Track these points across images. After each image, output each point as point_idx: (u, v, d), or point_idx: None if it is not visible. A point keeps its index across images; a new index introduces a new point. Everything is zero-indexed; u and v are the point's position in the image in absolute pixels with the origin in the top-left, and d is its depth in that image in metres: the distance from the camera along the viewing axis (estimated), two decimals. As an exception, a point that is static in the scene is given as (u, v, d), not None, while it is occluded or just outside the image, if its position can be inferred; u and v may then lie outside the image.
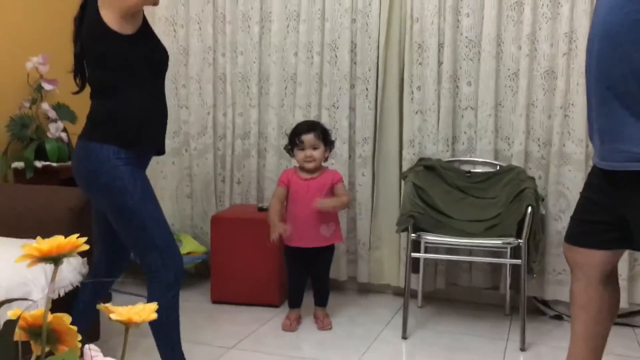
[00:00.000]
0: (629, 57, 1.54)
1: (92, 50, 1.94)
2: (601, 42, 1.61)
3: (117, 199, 1.92)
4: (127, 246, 2.06)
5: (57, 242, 0.74)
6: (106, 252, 2.17)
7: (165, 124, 2.10)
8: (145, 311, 0.76)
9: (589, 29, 1.73)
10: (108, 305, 0.75)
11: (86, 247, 0.77)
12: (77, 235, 0.75)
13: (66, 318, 0.78)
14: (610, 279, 1.84)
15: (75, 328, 0.79)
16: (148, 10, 3.42)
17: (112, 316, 0.74)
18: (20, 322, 0.77)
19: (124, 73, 1.92)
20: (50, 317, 0.78)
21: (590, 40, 1.68)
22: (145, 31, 1.97)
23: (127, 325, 0.76)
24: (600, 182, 1.74)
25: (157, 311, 2.03)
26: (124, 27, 1.88)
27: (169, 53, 2.11)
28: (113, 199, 1.93)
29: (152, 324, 2.00)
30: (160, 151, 2.10)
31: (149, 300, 1.98)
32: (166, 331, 2.03)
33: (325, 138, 2.74)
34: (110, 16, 1.86)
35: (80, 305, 2.13)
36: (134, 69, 1.93)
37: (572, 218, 1.90)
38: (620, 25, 1.55)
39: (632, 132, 1.57)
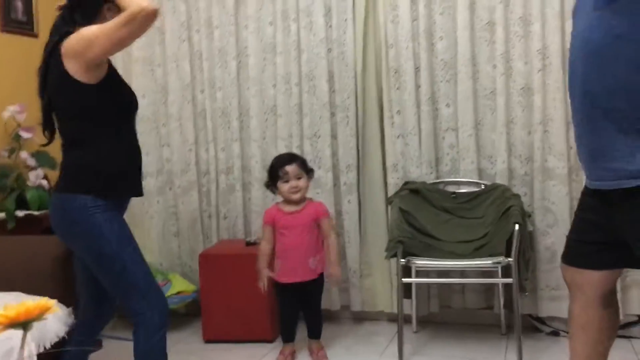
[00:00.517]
0: (613, 73, 1.53)
1: (59, 101, 1.93)
2: (585, 60, 1.60)
3: (94, 247, 1.90)
4: (110, 292, 2.02)
5: (24, 307, 0.71)
6: (91, 298, 2.13)
7: (140, 167, 2.08)
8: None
9: (570, 48, 1.72)
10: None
11: (56, 309, 0.75)
12: (46, 298, 0.73)
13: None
14: (609, 298, 1.82)
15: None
16: (124, 50, 3.44)
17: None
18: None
19: (93, 122, 1.91)
20: (22, 384, 0.75)
21: (572, 59, 1.67)
22: (112, 78, 1.96)
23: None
24: (593, 202, 1.72)
25: (145, 355, 1.98)
26: (89, 77, 1.86)
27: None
28: (91, 247, 1.91)
29: None
30: (139, 193, 2.08)
31: (135, 346, 1.95)
32: None
33: (305, 167, 2.74)
34: (74, 67, 1.84)
35: (66, 357, 2.08)
36: (103, 117, 1.92)
37: (568, 238, 1.87)
38: (601, 42, 1.54)
39: (622, 149, 1.55)
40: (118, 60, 3.44)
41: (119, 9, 1.88)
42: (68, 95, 1.89)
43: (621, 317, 2.72)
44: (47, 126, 2.01)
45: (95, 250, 1.90)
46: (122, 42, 1.82)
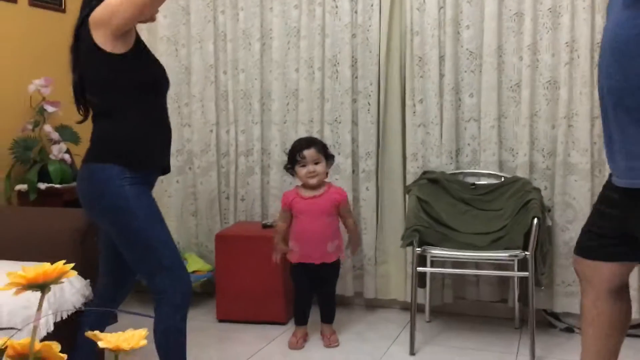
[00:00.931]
0: (637, 71, 1.51)
1: (89, 74, 1.94)
2: (611, 56, 1.58)
3: (122, 220, 1.90)
4: (134, 268, 2.03)
5: (43, 269, 0.73)
6: (112, 274, 2.14)
7: (169, 142, 2.08)
8: (135, 338, 0.75)
9: (601, 43, 1.70)
10: (96, 332, 0.74)
11: (74, 273, 0.76)
12: (64, 261, 0.74)
13: (55, 346, 0.77)
14: (620, 292, 1.81)
15: (64, 356, 0.77)
16: (150, 30, 3.46)
17: (101, 344, 0.73)
18: (9, 351, 0.75)
19: (122, 94, 1.92)
20: (39, 345, 0.77)
21: (601, 54, 1.65)
22: (140, 49, 1.96)
23: (117, 353, 0.74)
24: (616, 197, 1.70)
25: (165, 334, 2.00)
26: (116, 47, 1.87)
27: (171, 72, 2.10)
28: (118, 221, 1.90)
29: (159, 347, 1.98)
30: (165, 170, 2.09)
31: (156, 323, 1.96)
32: (173, 354, 2.00)
33: (325, 152, 2.74)
34: (101, 37, 1.85)
35: (86, 329, 2.11)
36: (131, 88, 1.92)
37: (582, 230, 1.87)
38: (629, 39, 1.53)
39: None
40: (143, 39, 3.45)
41: None
42: (98, 66, 1.90)
43: (638, 316, 2.70)
44: (81, 102, 2.02)
45: (122, 224, 1.90)
46: (144, 9, 1.82)
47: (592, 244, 1.80)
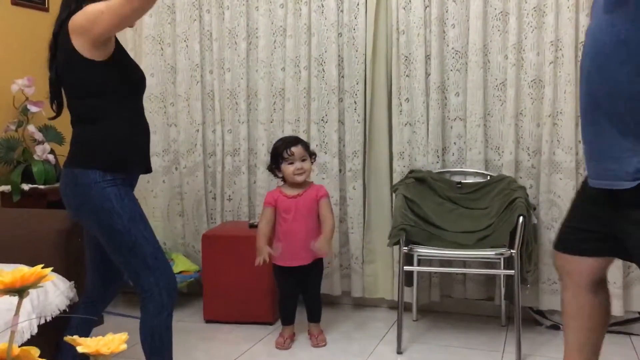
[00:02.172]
0: (616, 77, 1.52)
1: (67, 78, 1.93)
2: (591, 60, 1.59)
3: (106, 222, 1.90)
4: (120, 268, 2.03)
5: (20, 273, 0.72)
6: (99, 275, 2.13)
7: (148, 142, 2.09)
8: (115, 342, 0.74)
9: (583, 45, 1.70)
10: (75, 337, 0.73)
11: (52, 277, 0.75)
12: (42, 265, 0.73)
13: (34, 351, 0.76)
14: (599, 285, 1.82)
15: (43, 361, 0.76)
16: (135, 29, 3.44)
17: (80, 349, 0.72)
18: (-13, 357, 0.74)
19: (102, 99, 1.91)
20: (17, 350, 0.75)
21: (583, 56, 1.66)
22: (119, 55, 1.95)
23: (96, 357, 0.74)
24: (593, 194, 1.71)
25: (150, 332, 1.99)
26: (96, 54, 1.86)
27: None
28: (102, 222, 1.91)
29: (144, 345, 1.97)
30: (147, 169, 2.09)
31: (142, 323, 1.96)
32: (159, 354, 1.99)
33: (309, 151, 2.73)
34: (81, 44, 1.84)
35: (72, 331, 2.10)
36: (111, 93, 1.91)
37: (562, 225, 1.89)
38: (607, 44, 1.53)
39: (620, 151, 1.54)
40: (128, 38, 3.44)
41: None
42: (76, 72, 1.89)
43: (622, 313, 2.73)
44: (55, 99, 2.02)
45: (106, 225, 1.90)
46: (126, 19, 1.80)
47: (571, 238, 1.81)
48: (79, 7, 1.86)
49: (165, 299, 1.95)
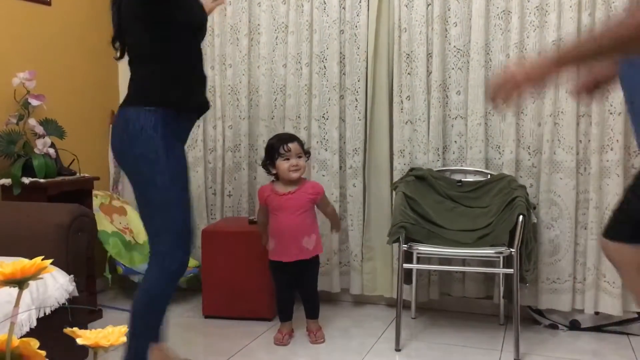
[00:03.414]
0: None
1: (131, 12, 1.94)
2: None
3: (146, 172, 1.89)
4: (143, 222, 1.98)
5: (20, 265, 0.72)
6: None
7: (205, 84, 2.10)
8: (115, 335, 0.74)
9: None
10: (74, 329, 0.73)
11: (53, 269, 0.75)
12: (42, 257, 0.73)
13: (33, 343, 0.76)
14: None
15: (43, 353, 0.76)
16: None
17: (79, 341, 0.72)
18: (-14, 348, 0.74)
19: (162, 32, 1.91)
20: (17, 342, 0.76)
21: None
22: None
23: (95, 350, 0.74)
24: None
25: (147, 293, 1.95)
26: None
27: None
28: (143, 171, 1.89)
29: (134, 304, 1.93)
30: (203, 108, 2.09)
31: (143, 283, 1.93)
32: (147, 317, 1.93)
33: (303, 148, 2.74)
34: None
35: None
36: (173, 31, 1.92)
37: (613, 211, 1.89)
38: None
39: None
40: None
41: None
42: (140, 5, 1.89)
43: (621, 313, 2.74)
44: (117, 40, 2.06)
45: (146, 175, 1.89)
46: None
47: (622, 225, 1.81)
48: None
49: (174, 268, 1.91)
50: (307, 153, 2.75)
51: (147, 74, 1.95)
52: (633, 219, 1.81)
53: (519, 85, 1.50)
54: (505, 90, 1.52)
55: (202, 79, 2.09)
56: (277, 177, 2.72)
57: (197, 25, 2.03)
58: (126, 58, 2.08)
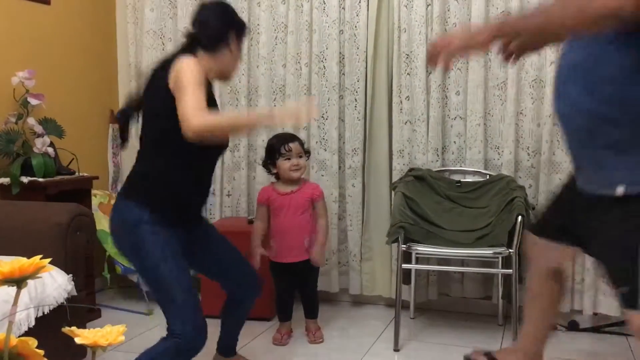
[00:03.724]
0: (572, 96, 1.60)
1: (153, 106, 1.94)
2: (557, 80, 1.69)
3: (136, 258, 1.94)
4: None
5: (19, 264, 0.72)
6: (229, 280, 2.23)
7: (200, 197, 2.08)
8: (113, 334, 0.74)
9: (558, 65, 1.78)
10: (73, 328, 0.73)
11: (51, 268, 0.75)
12: (41, 256, 0.73)
13: (31, 342, 0.76)
14: (560, 275, 2.01)
15: (41, 352, 0.76)
16: (136, 23, 3.44)
17: (77, 340, 0.72)
18: (-16, 347, 0.74)
19: (170, 136, 1.84)
20: (15, 341, 0.76)
21: (557, 75, 1.74)
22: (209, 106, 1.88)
23: (94, 349, 0.74)
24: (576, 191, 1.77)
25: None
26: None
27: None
28: (133, 258, 1.95)
29: None
30: (190, 221, 2.07)
31: (151, 350, 1.89)
32: None
33: (304, 149, 2.73)
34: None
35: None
36: (179, 146, 1.83)
37: (542, 212, 2.05)
38: (566, 70, 1.62)
39: (588, 162, 1.65)
40: (129, 32, 3.44)
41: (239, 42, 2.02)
42: (164, 103, 1.85)
43: (619, 314, 2.73)
44: (126, 130, 2.08)
45: (136, 261, 1.94)
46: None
47: (548, 224, 1.94)
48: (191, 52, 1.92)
49: (184, 344, 1.86)
50: (307, 152, 2.75)
51: (146, 172, 1.95)
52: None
53: (457, 48, 1.52)
54: (444, 54, 1.53)
55: (200, 190, 2.06)
56: (278, 176, 2.72)
57: (205, 146, 1.92)
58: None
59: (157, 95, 1.88)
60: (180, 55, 1.89)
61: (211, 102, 1.96)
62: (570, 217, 1.80)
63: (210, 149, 1.95)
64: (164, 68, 1.89)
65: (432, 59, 1.57)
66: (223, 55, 1.99)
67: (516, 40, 1.56)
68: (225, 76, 2.08)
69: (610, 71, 1.51)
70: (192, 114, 1.73)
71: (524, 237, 2.14)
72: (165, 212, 1.93)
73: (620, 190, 1.54)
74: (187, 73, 1.81)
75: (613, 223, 1.59)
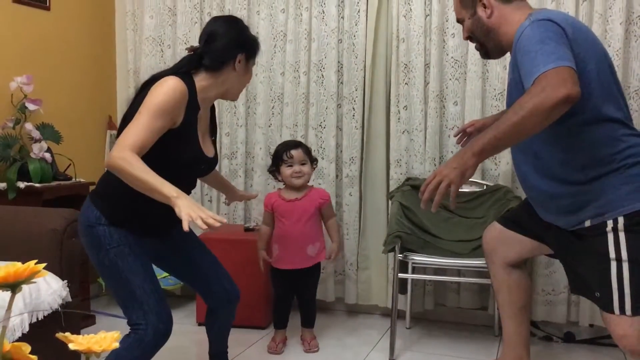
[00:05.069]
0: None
1: (127, 120, 1.83)
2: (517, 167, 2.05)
3: (94, 256, 1.90)
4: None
5: (14, 268, 0.71)
6: (201, 289, 2.19)
7: (172, 220, 1.80)
8: (107, 340, 0.74)
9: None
10: (67, 334, 0.73)
11: (46, 273, 0.75)
12: (36, 261, 0.72)
13: (25, 347, 0.75)
14: (519, 264, 2.21)
15: (34, 358, 0.76)
16: (135, 30, 3.44)
17: (71, 346, 0.72)
18: (-23, 352, 0.74)
19: (150, 154, 1.75)
20: (8, 346, 0.75)
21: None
22: (183, 132, 1.85)
23: (88, 355, 0.73)
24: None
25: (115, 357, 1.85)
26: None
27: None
28: (92, 256, 1.92)
29: None
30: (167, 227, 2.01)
31: (118, 350, 1.70)
32: None
33: (310, 156, 2.74)
34: None
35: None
36: (161, 156, 1.79)
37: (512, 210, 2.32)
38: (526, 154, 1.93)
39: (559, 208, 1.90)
40: (128, 39, 3.45)
41: (247, 62, 1.95)
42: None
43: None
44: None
45: (94, 259, 1.91)
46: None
47: (514, 219, 2.16)
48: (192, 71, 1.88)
49: (151, 338, 1.82)
50: (313, 161, 2.75)
51: (113, 184, 1.81)
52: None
53: (451, 181, 1.65)
54: (438, 189, 1.67)
55: (162, 210, 1.83)
56: (285, 183, 2.74)
57: (184, 161, 1.89)
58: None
59: (135, 110, 1.80)
60: (171, 73, 1.83)
61: (210, 127, 1.98)
62: (538, 226, 2.01)
63: (185, 164, 1.89)
64: (151, 83, 1.84)
65: (427, 194, 1.71)
66: (227, 76, 1.92)
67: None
68: (228, 97, 2.01)
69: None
70: (119, 147, 1.67)
71: (487, 228, 2.27)
72: (130, 225, 1.89)
73: (587, 223, 1.80)
74: (154, 98, 1.75)
75: (585, 237, 1.82)
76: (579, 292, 1.93)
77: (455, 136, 2.38)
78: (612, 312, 1.72)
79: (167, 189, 1.65)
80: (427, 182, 1.71)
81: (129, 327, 1.87)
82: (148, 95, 1.78)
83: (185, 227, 1.61)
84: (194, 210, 1.61)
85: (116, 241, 1.87)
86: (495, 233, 2.21)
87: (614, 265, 1.73)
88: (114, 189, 1.86)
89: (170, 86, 1.78)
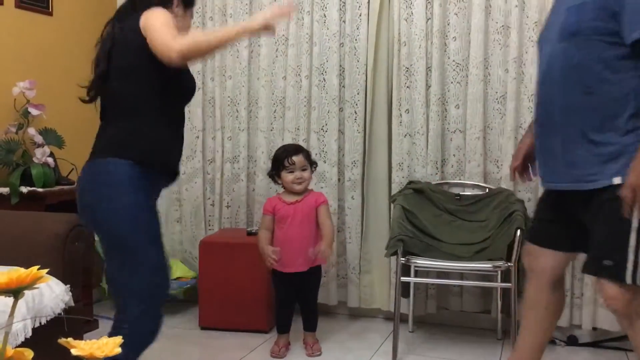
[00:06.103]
0: (567, 95, 1.82)
1: (125, 61, 1.84)
2: (547, 82, 1.91)
3: (120, 226, 1.81)
4: (108, 278, 1.93)
5: (16, 274, 0.71)
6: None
7: (181, 150, 2.02)
8: (109, 345, 0.74)
9: (537, 70, 2.00)
10: (69, 339, 0.73)
11: (48, 278, 0.75)
12: (38, 267, 0.73)
13: (27, 353, 0.75)
14: (558, 283, 2.08)
15: (37, 363, 0.76)
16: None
17: (74, 351, 0.72)
18: (-20, 358, 0.74)
19: (152, 91, 1.83)
20: (11, 351, 0.75)
21: (538, 80, 1.96)
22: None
23: (90, 360, 0.73)
24: (550, 201, 2.01)
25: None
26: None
27: None
28: (113, 226, 1.82)
29: None
30: (175, 175, 2.01)
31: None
32: None
33: (310, 160, 2.74)
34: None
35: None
36: (163, 89, 1.84)
37: (532, 221, 2.18)
38: (562, 69, 1.83)
39: (576, 157, 1.82)
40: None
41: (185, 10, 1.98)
42: (138, 56, 1.80)
43: (618, 329, 2.72)
44: (93, 89, 1.95)
45: (115, 232, 1.83)
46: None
47: (542, 232, 2.06)
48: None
49: (137, 338, 1.79)
50: (313, 164, 2.75)
51: (129, 129, 1.83)
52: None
53: None
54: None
55: (181, 144, 2.02)
56: (284, 187, 2.74)
57: (185, 90, 1.97)
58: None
59: (130, 42, 1.81)
60: (143, 9, 1.82)
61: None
62: (560, 215, 1.97)
63: (187, 93, 1.97)
64: (123, 28, 1.84)
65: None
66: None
67: None
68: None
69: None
70: (171, 39, 1.70)
71: (522, 250, 2.19)
72: (157, 163, 1.87)
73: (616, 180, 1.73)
74: (157, 16, 1.77)
75: (606, 204, 1.76)
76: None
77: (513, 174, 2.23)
78: (624, 280, 1.70)
79: (235, 29, 1.78)
80: (630, 202, 1.69)
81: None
82: (147, 20, 1.78)
83: (268, 19, 1.81)
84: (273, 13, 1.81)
85: (146, 218, 1.84)
86: (526, 253, 2.12)
87: (633, 234, 1.69)
88: (142, 128, 1.85)
89: (163, 10, 1.81)
